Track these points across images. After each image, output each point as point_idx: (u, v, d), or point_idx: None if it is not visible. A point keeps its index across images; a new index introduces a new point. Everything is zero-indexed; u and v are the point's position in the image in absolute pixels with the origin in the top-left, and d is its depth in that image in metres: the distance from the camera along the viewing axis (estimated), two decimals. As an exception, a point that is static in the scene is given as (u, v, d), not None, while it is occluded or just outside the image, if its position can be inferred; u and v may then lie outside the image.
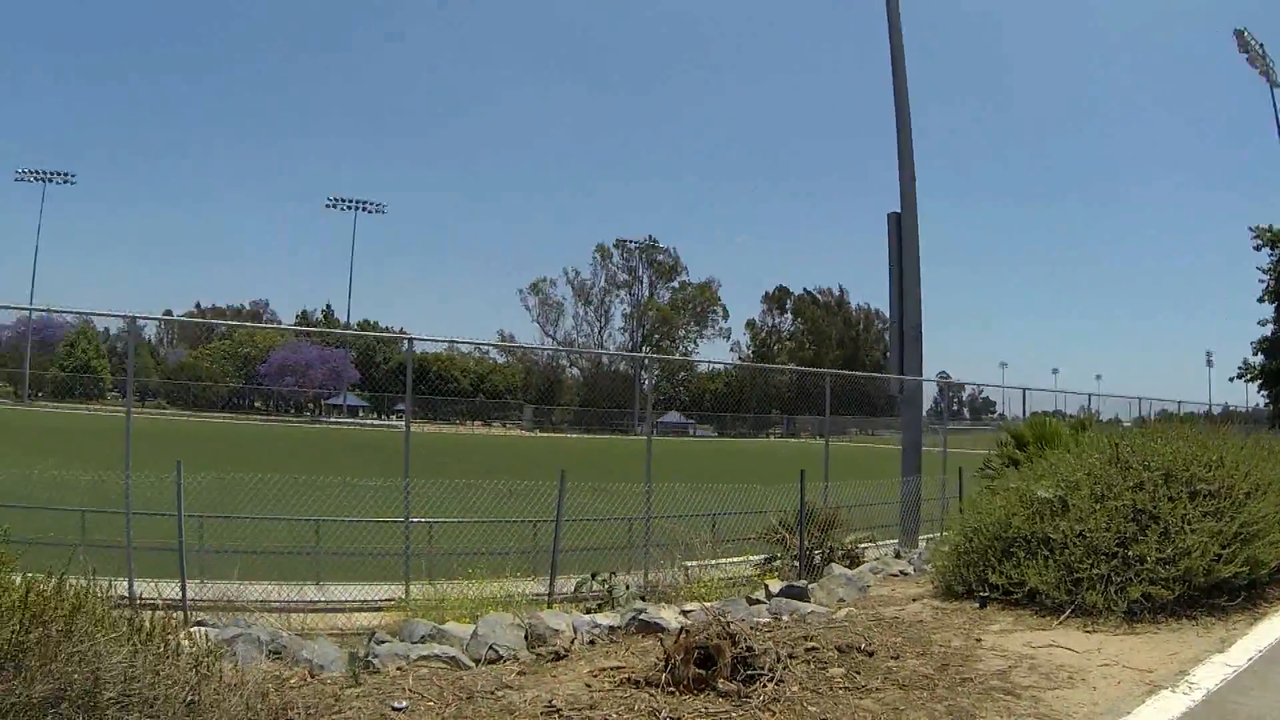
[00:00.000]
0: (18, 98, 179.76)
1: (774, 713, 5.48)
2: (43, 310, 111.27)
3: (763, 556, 18.47)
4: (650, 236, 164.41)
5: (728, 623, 6.51)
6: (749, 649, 6.05)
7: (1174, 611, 8.72)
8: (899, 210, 23.84)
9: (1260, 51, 60.17)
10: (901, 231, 23.56)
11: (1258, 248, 47.60)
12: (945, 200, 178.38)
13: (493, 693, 6.07)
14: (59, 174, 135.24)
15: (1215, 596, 8.88)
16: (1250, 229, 47.82)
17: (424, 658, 7.28)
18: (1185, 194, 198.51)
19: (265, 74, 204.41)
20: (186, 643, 5.48)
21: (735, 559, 18.46)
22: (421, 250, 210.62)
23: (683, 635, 6.04)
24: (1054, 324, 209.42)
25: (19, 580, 4.92)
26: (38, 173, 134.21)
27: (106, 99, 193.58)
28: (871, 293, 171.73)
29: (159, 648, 5.01)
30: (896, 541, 20.60)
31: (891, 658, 6.76)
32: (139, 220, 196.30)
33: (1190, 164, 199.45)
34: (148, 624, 5.18)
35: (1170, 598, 8.68)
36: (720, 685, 5.74)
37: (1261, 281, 48.05)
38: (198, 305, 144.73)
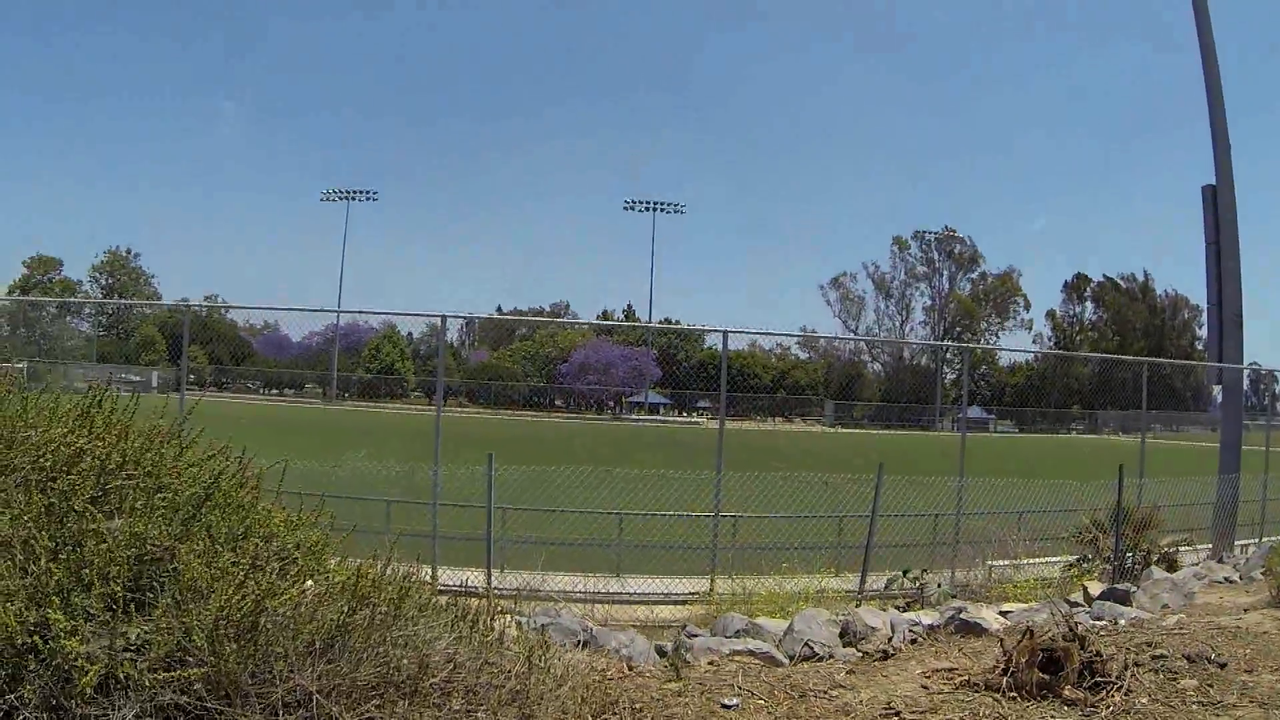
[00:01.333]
0: (320, 123, 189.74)
1: (1124, 725, 5.19)
2: (352, 312, 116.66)
3: (1073, 557, 17.85)
4: (946, 227, 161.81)
5: (1075, 624, 6.22)
6: (1096, 654, 5.75)
7: None
8: (1214, 183, 22.68)
9: None
10: (1218, 206, 22.37)
11: None
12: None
13: (826, 692, 5.91)
14: (362, 192, 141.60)
15: None
16: None
17: (737, 652, 7.17)
18: None
19: (556, 82, 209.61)
20: (512, 630, 5.49)
21: (1042, 559, 17.94)
22: (721, 248, 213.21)
23: (1027, 636, 5.74)
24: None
25: (336, 563, 5.00)
26: (343, 192, 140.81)
27: (402, 112, 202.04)
28: (1178, 277, 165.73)
29: (484, 635, 5.01)
30: (1211, 546, 19.69)
31: (1245, 671, 6.32)
32: (438, 230, 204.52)
33: None
34: (471, 611, 5.19)
35: None
36: (1066, 692, 5.46)
37: None
38: (499, 308, 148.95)
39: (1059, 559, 18.22)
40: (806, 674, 6.43)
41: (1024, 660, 5.61)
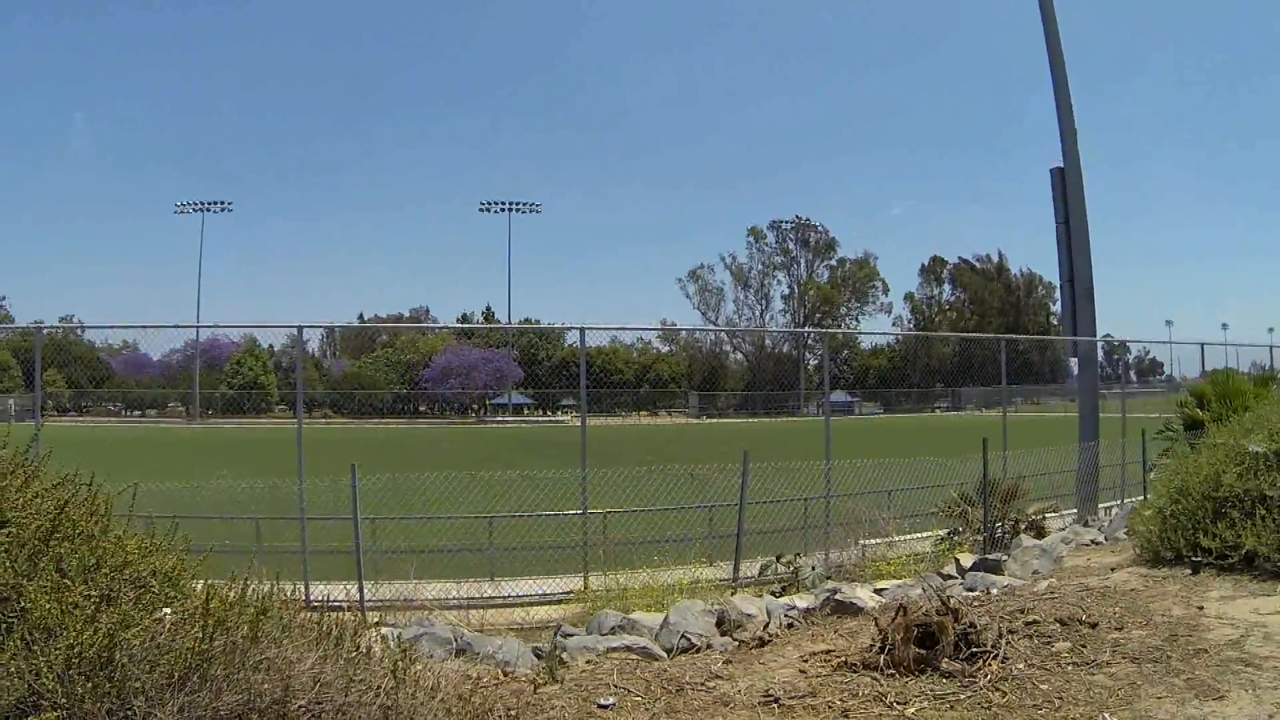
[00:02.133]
0: (169, 131, 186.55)
1: (1003, 692, 5.20)
2: (209, 326, 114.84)
3: (943, 532, 18.09)
4: (799, 216, 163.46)
5: (949, 597, 6.25)
6: (971, 625, 5.78)
7: None
8: (1061, 164, 23.20)
9: None
10: (1066, 186, 22.95)
11: None
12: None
13: (703, 684, 5.87)
14: (217, 203, 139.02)
15: None
16: None
17: (613, 649, 7.13)
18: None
19: (408, 82, 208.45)
20: (378, 645, 5.38)
21: (915, 535, 18.18)
22: (577, 248, 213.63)
23: (901, 613, 5.75)
24: (1220, 276, 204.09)
25: (200, 587, 4.85)
26: (196, 203, 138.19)
27: (255, 122, 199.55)
28: (1030, 256, 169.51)
29: (349, 652, 4.90)
30: (1076, 511, 20.09)
31: (1115, 629, 6.41)
32: (295, 240, 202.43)
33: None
34: (335, 627, 5.07)
35: None
36: (944, 665, 5.48)
37: None
38: (360, 316, 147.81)
39: (930, 534, 18.48)
40: (684, 666, 6.39)
41: (899, 637, 5.63)
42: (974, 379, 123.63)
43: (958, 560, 11.68)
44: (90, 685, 3.69)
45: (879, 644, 5.78)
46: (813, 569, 13.88)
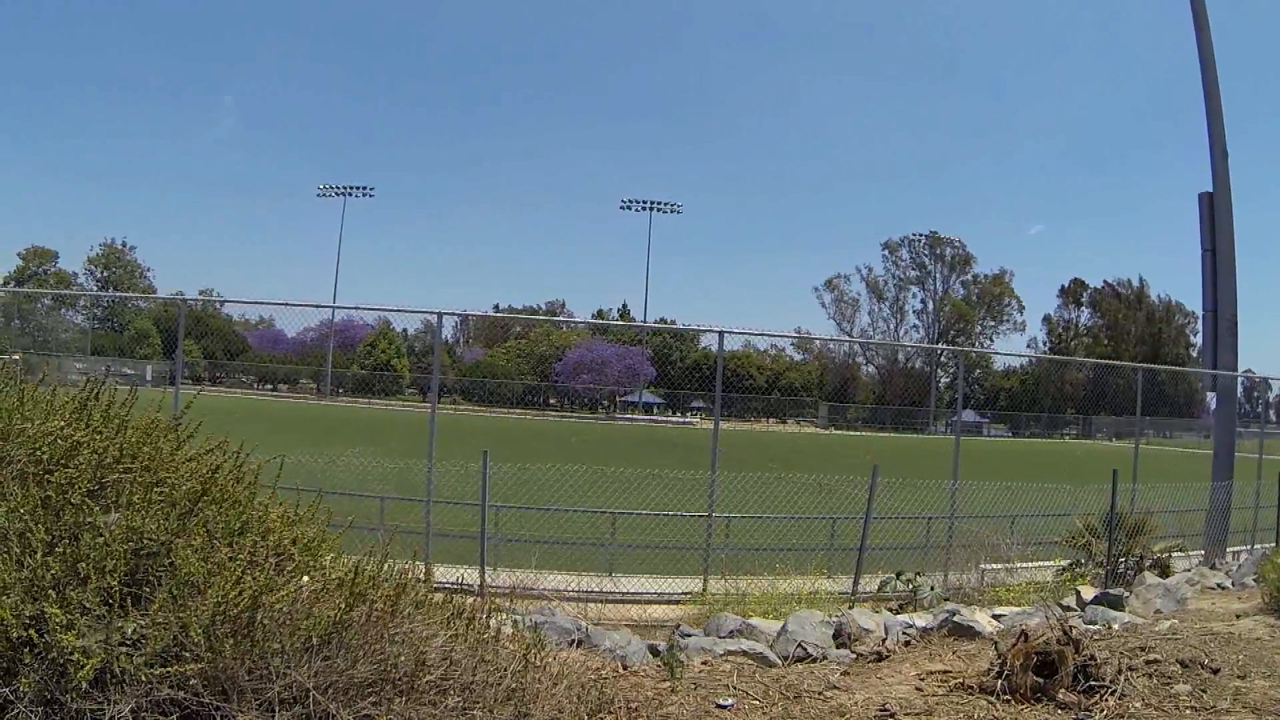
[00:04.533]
0: (318, 117, 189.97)
1: (1117, 729, 5.19)
2: (347, 308, 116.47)
3: (1065, 562, 17.84)
4: (934, 230, 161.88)
5: (1070, 628, 6.22)
6: (1091, 658, 5.75)
7: None
8: (1210, 189, 22.71)
9: None
10: (1214, 211, 22.42)
11: None
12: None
13: (820, 693, 5.91)
14: (359, 188, 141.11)
15: None
16: None
17: (730, 652, 7.20)
18: None
19: (558, 79, 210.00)
20: (508, 628, 5.49)
21: (1035, 564, 17.94)
22: (716, 250, 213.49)
23: (1022, 640, 5.74)
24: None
25: (330, 560, 4.98)
26: (338, 188, 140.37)
27: (403, 112, 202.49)
28: (1173, 283, 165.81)
29: (479, 633, 5.01)
30: (1203, 552, 19.70)
31: (1238, 677, 6.31)
32: (434, 229, 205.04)
33: None
34: (467, 608, 5.19)
35: None
36: (1060, 696, 5.45)
37: None
38: (495, 306, 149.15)
39: (1051, 563, 18.21)
40: (801, 675, 6.44)
41: (1018, 663, 5.61)
42: (1106, 407, 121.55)
43: (1078, 592, 11.56)
44: (232, 642, 3.84)
45: (997, 668, 5.77)
46: (931, 589, 13.80)
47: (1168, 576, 13.62)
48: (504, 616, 5.81)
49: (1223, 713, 5.60)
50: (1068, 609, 10.16)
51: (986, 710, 5.41)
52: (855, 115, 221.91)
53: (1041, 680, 5.52)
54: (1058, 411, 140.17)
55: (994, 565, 16.87)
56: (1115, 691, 5.57)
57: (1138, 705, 5.52)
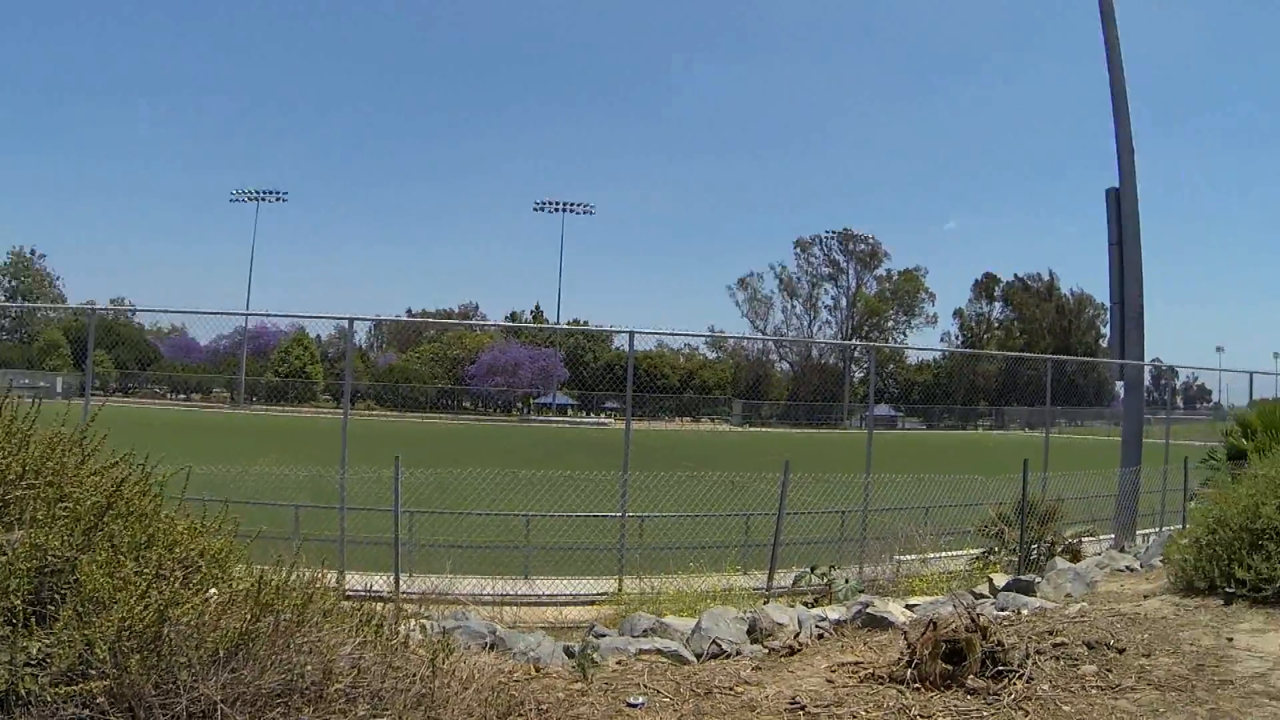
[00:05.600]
0: (230, 122, 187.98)
1: (1027, 712, 5.23)
2: (260, 315, 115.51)
3: (979, 551, 18.09)
4: (847, 228, 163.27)
5: (977, 615, 6.30)
6: (999, 644, 5.83)
7: None
8: (1118, 186, 23.10)
9: None
10: (1121, 207, 22.84)
11: None
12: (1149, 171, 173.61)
13: (731, 688, 5.95)
14: (272, 193, 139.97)
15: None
16: None
17: (644, 651, 7.21)
18: None
19: (462, 81, 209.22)
20: (416, 635, 5.48)
21: (950, 553, 18.17)
22: (630, 250, 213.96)
23: (930, 629, 5.81)
24: (1275, 305, 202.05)
25: (241, 570, 4.97)
26: (251, 193, 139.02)
27: (314, 116, 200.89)
28: (1083, 276, 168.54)
29: (388, 640, 5.00)
30: (1114, 536, 20.02)
31: (1142, 655, 6.43)
32: (347, 234, 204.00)
33: None
34: (374, 616, 5.18)
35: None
36: (969, 682, 5.53)
37: None
38: (408, 310, 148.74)
39: (965, 553, 18.47)
40: (713, 671, 6.47)
41: (927, 652, 5.68)
42: (1019, 398, 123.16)
43: (991, 580, 11.72)
44: (139, 658, 3.82)
45: (907, 658, 5.83)
46: (846, 582, 13.89)
47: (1079, 561, 13.81)
48: (414, 622, 5.80)
49: (1127, 690, 5.71)
50: (981, 597, 10.29)
51: (896, 699, 5.47)
52: (768, 113, 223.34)
53: (951, 668, 5.59)
54: (971, 404, 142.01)
55: (909, 556, 17.07)
56: (1023, 675, 5.65)
57: (1045, 687, 5.61)
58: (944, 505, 21.14)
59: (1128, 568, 12.03)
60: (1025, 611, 8.60)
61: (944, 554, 17.99)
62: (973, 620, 6.00)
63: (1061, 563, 12.72)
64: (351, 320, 21.10)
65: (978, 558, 17.68)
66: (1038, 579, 11.12)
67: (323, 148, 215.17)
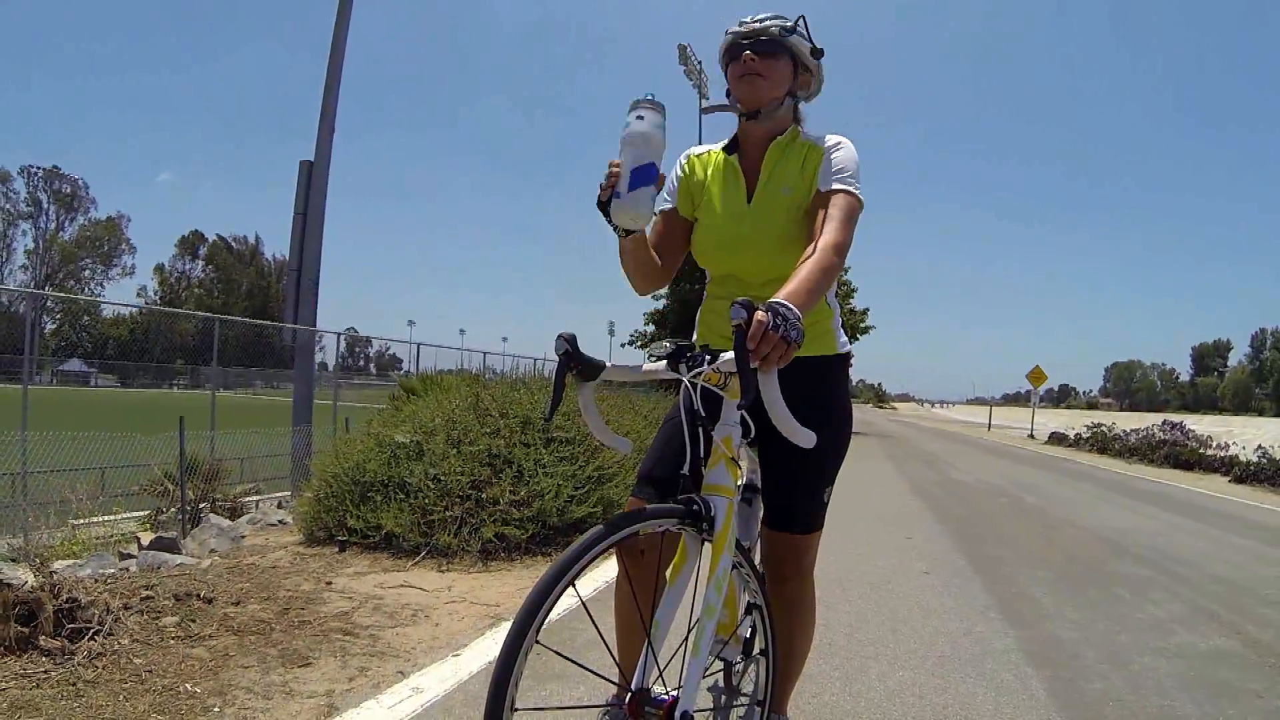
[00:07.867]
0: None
1: (98, 668, 5.31)
2: None
3: (147, 511, 18.01)
4: (56, 166, 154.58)
5: (51, 573, 6.32)
6: (73, 600, 5.85)
7: (529, 550, 9.29)
8: (312, 160, 23.64)
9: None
10: (311, 181, 23.39)
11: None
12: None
13: None
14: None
15: (572, 535, 9.48)
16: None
17: None
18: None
19: None
20: None
21: (125, 515, 17.96)
22: None
23: (6, 589, 5.74)
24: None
25: None
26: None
27: None
28: (286, 244, 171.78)
29: None
30: (288, 494, 20.63)
31: (233, 604, 6.73)
32: None
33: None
34: None
35: (524, 537, 9.23)
36: (43, 642, 5.52)
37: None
38: None
39: (143, 513, 18.30)
40: None
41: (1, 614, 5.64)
42: (223, 359, 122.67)
43: (138, 539, 11.77)
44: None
45: (-17, 623, 5.75)
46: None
47: (238, 519, 14.12)
48: None
49: (205, 639, 5.96)
50: (128, 556, 10.28)
51: (-40, 665, 5.38)
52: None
53: (27, 631, 5.57)
54: (169, 361, 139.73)
55: (83, 521, 16.70)
56: (103, 631, 5.74)
57: (125, 642, 5.72)
58: (122, 466, 20.78)
59: (280, 522, 12.53)
60: (163, 569, 8.72)
61: (121, 516, 17.73)
62: (46, 578, 6.03)
63: (214, 519, 12.93)
64: None
65: (146, 518, 17.57)
66: (183, 539, 11.30)
67: None
